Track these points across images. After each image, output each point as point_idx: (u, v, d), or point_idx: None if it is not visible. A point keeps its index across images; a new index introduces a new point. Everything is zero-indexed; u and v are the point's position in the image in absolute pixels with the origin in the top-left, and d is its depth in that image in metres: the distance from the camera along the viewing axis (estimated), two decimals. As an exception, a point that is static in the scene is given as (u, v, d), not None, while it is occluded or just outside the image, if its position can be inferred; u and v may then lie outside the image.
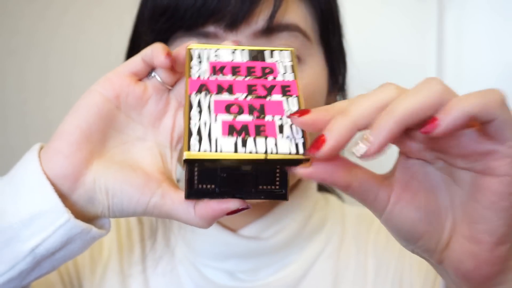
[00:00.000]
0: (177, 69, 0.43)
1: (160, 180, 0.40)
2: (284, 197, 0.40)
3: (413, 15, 1.03)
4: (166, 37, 0.54)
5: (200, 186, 0.39)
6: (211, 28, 0.51)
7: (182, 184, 0.63)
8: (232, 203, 0.39)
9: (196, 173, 0.39)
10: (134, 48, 0.60)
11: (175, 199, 0.40)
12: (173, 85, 0.44)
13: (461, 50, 1.01)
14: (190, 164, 0.36)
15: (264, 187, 0.40)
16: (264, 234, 0.57)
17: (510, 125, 0.30)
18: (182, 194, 0.40)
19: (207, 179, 0.39)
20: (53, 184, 0.38)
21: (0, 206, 0.39)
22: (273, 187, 0.40)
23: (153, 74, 0.43)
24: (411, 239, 0.34)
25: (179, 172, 0.60)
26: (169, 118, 0.43)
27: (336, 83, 0.62)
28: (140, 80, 0.43)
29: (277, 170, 0.40)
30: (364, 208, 0.66)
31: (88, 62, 1.11)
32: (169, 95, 0.44)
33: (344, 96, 0.65)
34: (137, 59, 0.42)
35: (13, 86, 1.15)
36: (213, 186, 0.39)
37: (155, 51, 0.41)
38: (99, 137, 0.40)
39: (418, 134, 0.31)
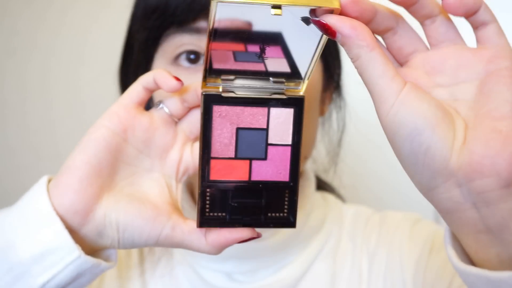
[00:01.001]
0: (190, 100, 0.43)
1: (169, 212, 0.41)
2: (292, 225, 0.41)
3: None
4: (158, 35, 0.53)
5: (211, 214, 0.41)
6: (202, 23, 0.50)
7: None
8: (245, 233, 0.40)
9: (207, 202, 0.40)
10: (128, 48, 0.60)
11: (185, 230, 0.41)
12: (180, 117, 0.44)
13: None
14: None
15: (273, 214, 0.41)
16: (263, 235, 0.58)
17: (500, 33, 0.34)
18: (191, 224, 0.41)
19: (218, 208, 0.41)
20: (62, 220, 0.39)
21: (10, 241, 0.39)
22: (281, 214, 0.41)
23: (161, 105, 0.43)
24: (429, 125, 0.31)
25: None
26: (176, 151, 0.44)
27: (331, 78, 0.62)
28: (146, 109, 0.43)
29: (286, 196, 0.41)
30: (360, 206, 0.68)
31: (89, 63, 1.10)
32: (176, 128, 0.44)
33: (340, 94, 0.66)
34: (138, 88, 0.42)
35: (13, 87, 1.14)
36: (223, 214, 0.41)
37: (161, 77, 0.41)
38: (108, 171, 0.41)
39: None
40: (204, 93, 0.39)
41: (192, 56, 0.52)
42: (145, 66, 0.56)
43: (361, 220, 0.63)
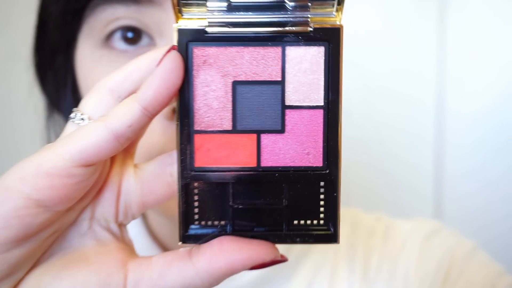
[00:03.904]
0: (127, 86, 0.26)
1: (123, 261, 0.26)
2: (333, 238, 0.26)
3: (414, 14, 1.03)
4: (80, 6, 0.39)
5: (202, 223, 0.26)
6: None
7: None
8: (263, 250, 0.24)
9: (195, 204, 0.26)
10: (42, 25, 0.45)
11: (154, 275, 0.25)
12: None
13: (462, 48, 1.04)
14: None
15: (301, 222, 0.26)
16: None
17: None
18: (160, 260, 0.25)
19: (213, 213, 0.26)
20: None
21: None
22: (314, 221, 0.26)
23: (77, 115, 0.26)
24: None
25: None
26: (113, 183, 0.27)
27: None
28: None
29: (320, 192, 0.26)
30: (359, 212, 0.52)
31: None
32: None
33: None
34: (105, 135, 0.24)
35: (17, 87, 1.10)
36: (222, 222, 0.26)
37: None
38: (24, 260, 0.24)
39: None
40: (178, 28, 0.24)
41: (129, 34, 0.37)
42: (65, 50, 0.42)
43: (361, 232, 0.50)
